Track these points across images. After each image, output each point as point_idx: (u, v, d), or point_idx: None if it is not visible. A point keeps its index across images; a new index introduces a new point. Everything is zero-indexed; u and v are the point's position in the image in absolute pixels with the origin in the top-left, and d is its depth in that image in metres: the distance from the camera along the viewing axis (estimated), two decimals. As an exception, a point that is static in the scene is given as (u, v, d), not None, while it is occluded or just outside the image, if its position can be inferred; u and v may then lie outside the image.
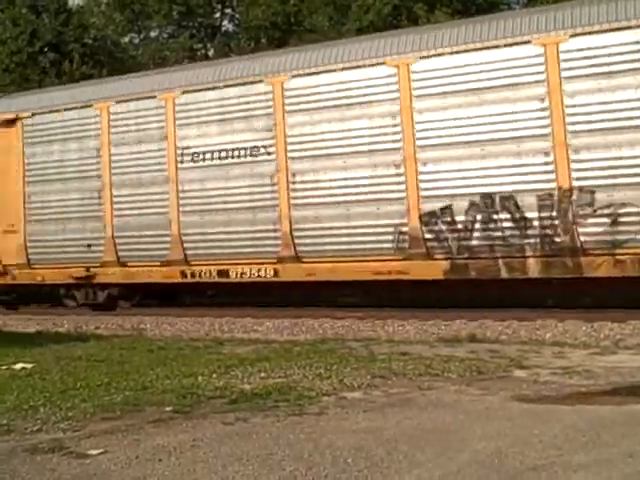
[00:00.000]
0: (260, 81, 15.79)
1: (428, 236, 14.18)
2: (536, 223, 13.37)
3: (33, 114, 18.57)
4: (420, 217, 14.21)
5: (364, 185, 14.74)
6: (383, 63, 14.71)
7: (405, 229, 14.34)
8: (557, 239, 13.23)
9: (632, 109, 12.68)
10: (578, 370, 9.03)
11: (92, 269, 17.53)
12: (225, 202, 16.12)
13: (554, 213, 13.22)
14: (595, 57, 12.96)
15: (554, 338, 11.90)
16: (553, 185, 13.22)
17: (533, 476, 5.10)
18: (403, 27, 22.61)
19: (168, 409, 7.42)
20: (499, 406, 7.25)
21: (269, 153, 15.57)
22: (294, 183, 15.34)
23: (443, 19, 21.90)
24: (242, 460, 5.64)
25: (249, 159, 15.83)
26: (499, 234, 13.63)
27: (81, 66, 27.83)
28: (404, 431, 6.34)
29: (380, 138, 14.63)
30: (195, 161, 16.43)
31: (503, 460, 5.43)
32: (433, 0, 22.78)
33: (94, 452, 6.00)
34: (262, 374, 9.18)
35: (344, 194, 14.91)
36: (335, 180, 15.01)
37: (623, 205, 12.67)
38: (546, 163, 13.31)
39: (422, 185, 14.23)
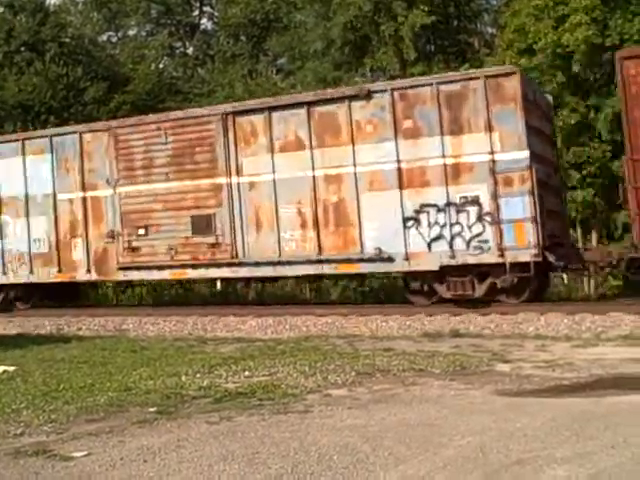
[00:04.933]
0: None
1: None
2: None
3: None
4: None
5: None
6: None
7: None
8: None
9: None
10: (560, 363, 9.10)
11: None
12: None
13: None
14: None
15: (536, 331, 11.97)
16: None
17: (517, 470, 5.13)
18: (383, 24, 22.61)
19: (152, 410, 7.39)
20: (483, 400, 7.29)
21: None
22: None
23: (420, 18, 21.86)
24: (227, 459, 5.63)
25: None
26: None
27: (54, 65, 27.59)
28: (389, 427, 6.36)
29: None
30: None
31: (488, 454, 5.46)
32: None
33: (78, 454, 5.97)
34: (246, 373, 9.18)
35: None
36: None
37: None
38: None
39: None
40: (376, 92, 14.16)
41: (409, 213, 13.69)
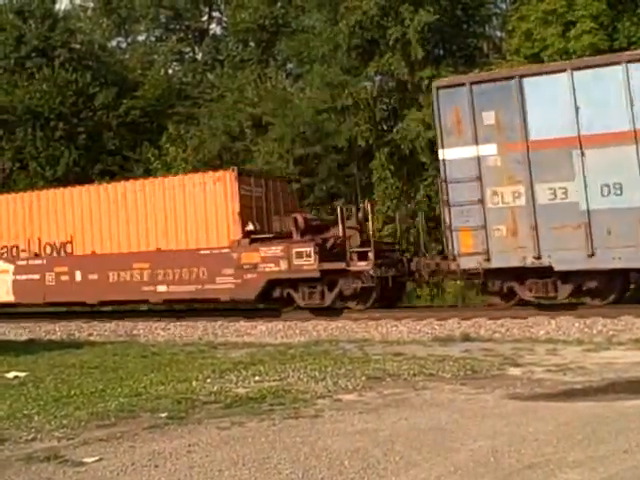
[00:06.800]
0: None
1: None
2: None
3: None
4: None
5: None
6: None
7: None
8: None
9: None
10: (572, 367, 9.06)
11: None
12: None
13: None
14: None
15: (547, 335, 11.93)
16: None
17: (529, 474, 5.10)
18: (390, 28, 22.58)
19: (163, 415, 7.40)
20: (494, 404, 7.26)
21: None
22: None
23: (425, 17, 21.84)
24: (238, 465, 5.63)
25: None
26: None
27: (64, 71, 27.74)
28: (400, 432, 6.34)
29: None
30: None
31: (499, 459, 5.43)
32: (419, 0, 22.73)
33: (89, 460, 5.98)
34: (257, 378, 9.18)
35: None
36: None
37: None
38: None
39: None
40: None
41: None
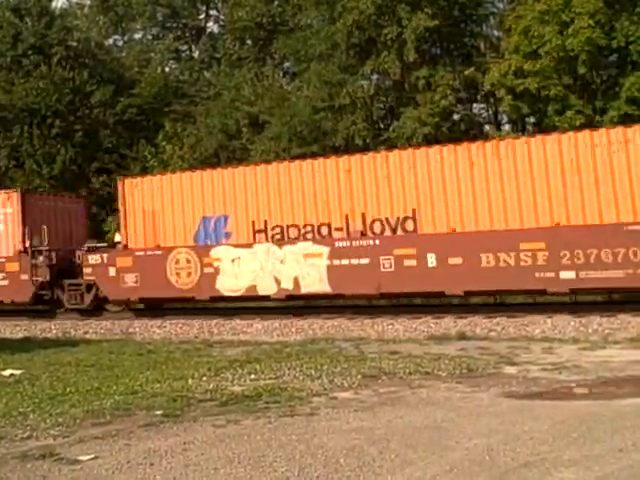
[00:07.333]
0: None
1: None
2: None
3: None
4: None
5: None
6: None
7: None
8: None
9: None
10: (568, 366, 9.07)
11: None
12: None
13: None
14: None
15: (543, 334, 11.95)
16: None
17: (524, 473, 5.11)
18: (386, 27, 22.60)
19: (159, 413, 7.39)
20: (489, 403, 7.26)
21: None
22: None
23: (424, 21, 21.81)
24: (234, 462, 5.63)
25: None
26: None
27: (60, 68, 27.73)
28: (395, 430, 6.34)
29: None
30: None
31: (494, 457, 5.44)
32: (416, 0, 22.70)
33: (85, 458, 5.97)
34: (252, 376, 9.17)
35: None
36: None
37: None
38: None
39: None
40: None
41: None
